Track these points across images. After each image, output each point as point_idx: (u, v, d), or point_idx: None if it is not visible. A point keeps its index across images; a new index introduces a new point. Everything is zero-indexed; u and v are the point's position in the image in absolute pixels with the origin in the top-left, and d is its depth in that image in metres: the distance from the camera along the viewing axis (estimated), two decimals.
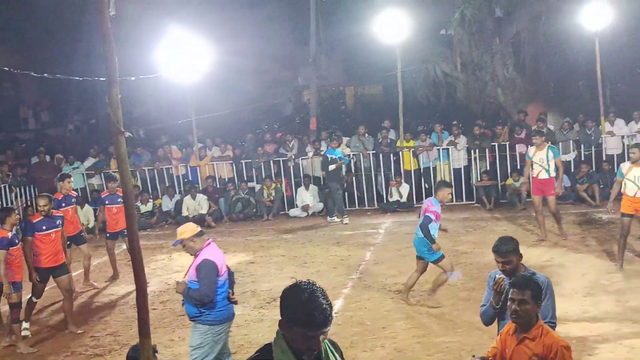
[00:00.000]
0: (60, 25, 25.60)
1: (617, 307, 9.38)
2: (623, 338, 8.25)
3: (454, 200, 17.68)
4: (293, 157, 18.55)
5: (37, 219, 10.16)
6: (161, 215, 18.31)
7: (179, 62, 15.06)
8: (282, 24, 27.29)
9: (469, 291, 10.48)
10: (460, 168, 17.73)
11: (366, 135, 18.50)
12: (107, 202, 13.04)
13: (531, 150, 13.33)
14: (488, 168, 17.52)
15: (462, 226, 15.10)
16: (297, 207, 18.06)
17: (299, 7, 24.69)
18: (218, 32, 18.38)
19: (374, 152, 18.15)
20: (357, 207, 18.30)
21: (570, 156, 17.41)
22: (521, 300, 4.81)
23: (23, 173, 18.97)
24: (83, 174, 19.13)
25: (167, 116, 23.15)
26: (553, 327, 5.21)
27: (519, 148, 16.94)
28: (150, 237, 16.56)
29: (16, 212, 10.13)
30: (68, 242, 11.53)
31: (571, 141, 17.50)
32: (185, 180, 18.80)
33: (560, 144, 17.00)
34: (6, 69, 14.70)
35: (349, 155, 17.99)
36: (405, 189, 17.66)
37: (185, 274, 7.16)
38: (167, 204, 18.57)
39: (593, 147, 17.40)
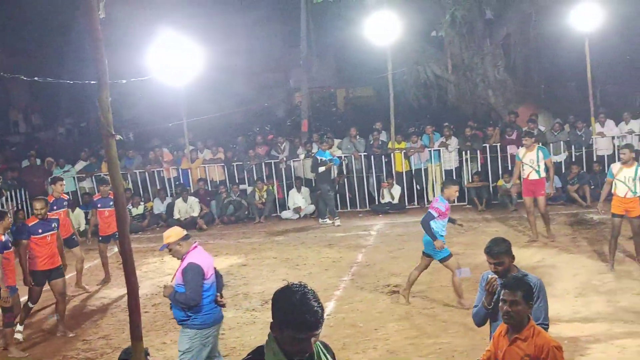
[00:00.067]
0: (51, 28, 25.53)
1: (608, 307, 9.41)
2: (614, 338, 8.27)
3: None
4: (285, 159, 18.54)
5: (33, 222, 10.14)
6: (152, 218, 18.27)
7: (170, 65, 15.04)
8: (273, 26, 27.29)
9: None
10: (452, 169, 17.75)
11: (357, 137, 18.51)
12: (99, 205, 13.04)
13: (521, 151, 13.38)
14: (479, 169, 17.56)
15: (454, 227, 15.06)
16: (288, 209, 18.06)
17: (290, 9, 24.70)
18: (209, 35, 18.37)
19: (365, 153, 18.16)
20: (348, 208, 18.30)
21: (561, 157, 17.47)
22: (513, 301, 4.82)
23: (13, 176, 18.88)
24: (74, 177, 19.06)
25: (159, 119, 23.09)
26: (546, 329, 5.22)
27: (510, 149, 16.98)
28: (142, 240, 16.53)
29: (9, 215, 10.10)
30: None
31: (562, 142, 17.56)
32: (177, 183, 18.77)
33: (551, 145, 17.06)
34: None
35: (341, 157, 18.00)
36: (396, 190, 17.68)
37: (173, 278, 7.16)
38: (159, 206, 18.53)
39: (584, 148, 17.47)
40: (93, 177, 18.98)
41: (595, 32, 17.31)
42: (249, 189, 18.50)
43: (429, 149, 17.91)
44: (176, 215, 17.72)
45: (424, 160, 17.99)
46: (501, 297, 4.94)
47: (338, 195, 18.25)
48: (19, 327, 10.11)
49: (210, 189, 18.68)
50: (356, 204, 18.35)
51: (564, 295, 9.98)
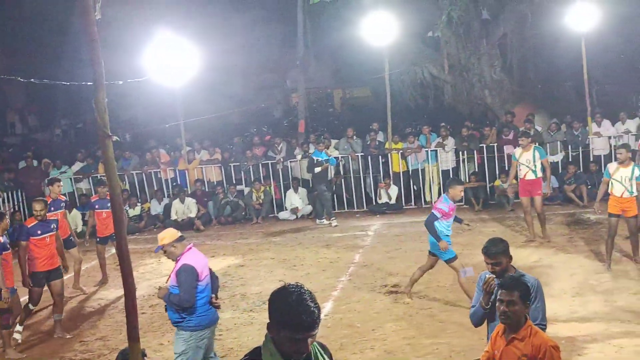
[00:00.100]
0: (47, 29, 25.49)
1: (605, 307, 9.42)
2: (612, 338, 8.28)
3: None
4: (282, 159, 18.55)
5: (32, 224, 10.13)
6: (150, 219, 18.26)
7: (167, 66, 15.02)
8: (270, 27, 27.24)
9: (458, 292, 10.48)
10: (449, 169, 17.76)
11: (354, 137, 18.51)
12: (96, 206, 13.02)
13: (517, 151, 13.39)
14: (476, 169, 17.58)
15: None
16: (286, 209, 18.06)
17: (287, 10, 24.69)
18: (206, 35, 18.34)
19: (362, 154, 18.16)
20: (346, 209, 18.31)
21: (558, 157, 17.49)
22: (510, 302, 4.82)
23: (10, 178, 18.86)
24: (71, 179, 19.04)
25: (156, 120, 23.09)
26: (544, 329, 5.23)
27: (507, 149, 16.99)
28: (139, 241, 16.51)
29: (7, 217, 10.09)
30: None
31: (559, 142, 17.58)
32: (174, 183, 18.75)
33: (547, 145, 17.09)
34: None
35: (338, 157, 18.00)
36: (394, 191, 17.68)
37: (167, 279, 7.15)
38: (156, 207, 18.51)
39: (580, 148, 17.50)
40: (90, 178, 18.98)
41: (591, 32, 17.33)
42: (246, 190, 18.49)
43: (426, 149, 17.92)
44: (173, 216, 17.72)
45: (421, 160, 18.00)
46: (498, 297, 4.94)
47: (335, 195, 18.26)
48: (18, 328, 10.12)
49: (207, 189, 18.67)
50: (353, 205, 18.35)
51: (561, 295, 9.99)
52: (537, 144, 15.00)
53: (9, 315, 9.51)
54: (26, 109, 30.35)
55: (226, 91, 25.25)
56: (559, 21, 17.74)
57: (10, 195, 18.52)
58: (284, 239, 15.62)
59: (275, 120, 28.47)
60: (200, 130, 22.11)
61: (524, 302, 4.86)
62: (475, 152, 17.64)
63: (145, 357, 5.58)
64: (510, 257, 5.74)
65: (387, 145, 18.06)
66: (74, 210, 17.10)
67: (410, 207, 17.95)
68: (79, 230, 16.32)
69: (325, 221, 16.80)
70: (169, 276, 7.11)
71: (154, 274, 13.34)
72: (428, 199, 18.09)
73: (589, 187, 16.22)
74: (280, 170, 18.58)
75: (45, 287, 10.31)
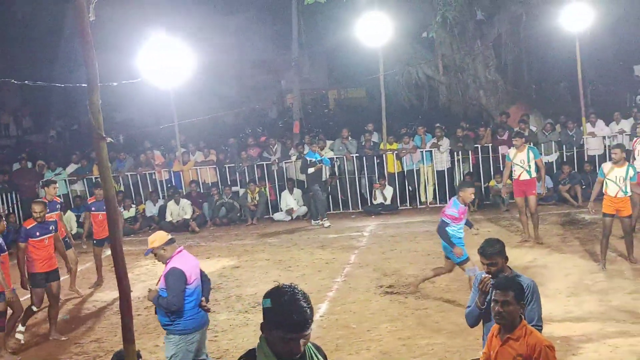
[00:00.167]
0: (41, 31, 25.46)
1: (600, 306, 9.44)
2: (607, 337, 8.29)
3: (438, 202, 17.77)
4: (277, 161, 18.54)
5: (31, 225, 10.11)
6: (144, 221, 18.22)
7: (161, 67, 15.00)
8: (264, 27, 27.26)
9: (453, 293, 10.51)
10: (444, 170, 17.78)
11: (349, 138, 18.52)
12: (93, 208, 12.99)
13: (511, 152, 13.40)
14: (471, 170, 17.59)
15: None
16: (281, 211, 18.05)
17: (281, 11, 24.69)
18: (200, 37, 18.38)
19: (357, 155, 18.16)
20: (341, 210, 18.32)
21: (553, 157, 17.52)
22: (504, 302, 4.83)
23: (4, 180, 18.82)
24: (65, 180, 19.00)
25: (150, 121, 23.08)
26: (539, 330, 5.22)
27: (502, 150, 17.01)
28: (134, 243, 16.48)
29: (3, 219, 10.06)
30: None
31: (553, 142, 17.61)
32: (169, 185, 18.74)
33: (542, 145, 17.12)
34: None
35: (333, 158, 18.01)
36: (389, 191, 17.69)
37: (158, 282, 7.13)
38: (151, 209, 18.48)
39: (575, 148, 17.53)
40: (85, 180, 18.95)
41: (585, 33, 17.38)
42: (241, 191, 18.47)
43: (421, 150, 17.93)
44: (168, 218, 17.70)
45: (416, 161, 18.01)
46: (493, 297, 4.95)
47: (330, 196, 18.28)
48: (20, 328, 10.11)
49: (202, 191, 18.65)
50: (348, 205, 18.36)
51: (556, 295, 10.00)
52: (531, 144, 15.03)
53: (4, 319, 9.49)
54: (20, 111, 30.27)
55: (221, 92, 25.27)
56: (553, 22, 17.79)
57: (4, 197, 18.48)
58: (279, 240, 15.61)
59: (270, 121, 28.48)
60: (195, 131, 22.10)
61: (518, 302, 4.87)
62: (470, 152, 17.65)
63: (140, 359, 5.58)
64: (506, 258, 5.75)
65: (382, 146, 18.07)
66: (69, 212, 17.06)
67: (406, 207, 17.97)
68: (73, 232, 16.27)
69: (319, 221, 16.79)
70: (159, 279, 7.09)
71: (149, 275, 13.32)
72: (423, 199, 18.13)
73: (584, 187, 16.25)
74: (275, 171, 18.58)
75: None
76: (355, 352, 8.61)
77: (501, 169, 16.65)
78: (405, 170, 18.15)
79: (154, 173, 19.07)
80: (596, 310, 9.32)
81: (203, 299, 7.15)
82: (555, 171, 17.19)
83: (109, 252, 13.41)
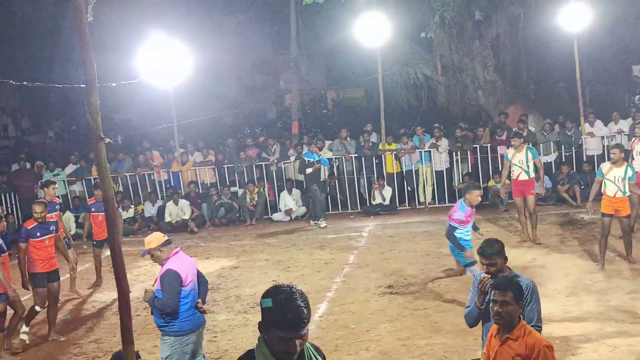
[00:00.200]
0: (40, 32, 25.45)
1: (599, 306, 9.44)
2: (606, 337, 8.30)
3: (436, 202, 17.79)
4: (275, 161, 18.53)
5: (31, 225, 10.11)
6: (143, 221, 18.20)
7: (160, 68, 14.99)
8: (263, 28, 27.31)
9: (452, 293, 10.51)
10: (442, 170, 17.79)
11: (348, 138, 18.51)
12: (93, 209, 12.95)
13: (510, 152, 13.40)
14: (470, 170, 17.58)
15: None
16: (280, 211, 18.04)
17: (279, 11, 24.72)
18: (199, 37, 18.37)
19: (356, 155, 18.15)
20: (340, 210, 18.31)
21: (551, 157, 17.53)
22: (503, 302, 4.83)
23: (3, 180, 18.82)
24: (64, 181, 18.99)
25: (149, 122, 23.06)
26: (539, 331, 5.22)
27: (501, 150, 17.01)
28: (133, 244, 16.45)
29: (3, 220, 10.05)
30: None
31: (552, 142, 17.62)
32: (168, 185, 18.72)
33: (541, 145, 17.13)
34: None
35: (331, 158, 18.01)
36: (388, 191, 17.68)
37: (154, 283, 7.11)
38: (150, 209, 18.47)
39: (573, 148, 17.54)
40: (83, 181, 18.94)
41: (583, 33, 17.39)
42: (240, 192, 18.46)
43: (420, 150, 17.93)
44: (167, 218, 17.69)
45: (415, 161, 18.01)
46: (492, 297, 4.94)
47: (329, 197, 18.28)
48: (24, 329, 10.12)
49: (201, 191, 18.64)
50: (347, 206, 18.36)
51: (555, 295, 10.01)
52: (530, 144, 15.03)
53: (4, 319, 9.49)
54: (19, 112, 30.27)
55: (219, 93, 25.29)
56: (551, 22, 17.79)
57: (3, 197, 18.47)
58: (278, 241, 15.61)
59: (269, 121, 28.49)
60: (194, 131, 22.10)
61: (517, 302, 4.86)
62: (468, 152, 17.66)
63: (139, 359, 5.58)
64: (506, 258, 5.75)
65: (380, 146, 18.06)
66: (67, 213, 17.04)
67: (404, 208, 17.97)
68: (72, 232, 16.24)
69: (324, 222, 16.76)
70: (156, 280, 7.07)
71: (148, 276, 13.31)
72: (422, 199, 18.12)
73: (582, 187, 16.25)
74: (274, 171, 18.58)
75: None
76: (354, 353, 8.62)
77: (500, 169, 16.67)
78: (404, 170, 18.15)
79: (153, 173, 19.06)
80: (595, 310, 9.32)
81: (199, 300, 7.12)
82: (554, 171, 17.20)
83: (108, 252, 13.42)
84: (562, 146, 17.69)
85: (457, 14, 19.54)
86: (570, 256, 12.02)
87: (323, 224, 16.60)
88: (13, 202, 18.66)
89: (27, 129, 30.25)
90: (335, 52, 25.29)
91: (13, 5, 24.14)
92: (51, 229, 10.30)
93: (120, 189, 18.58)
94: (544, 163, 15.34)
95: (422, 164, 17.97)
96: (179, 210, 17.68)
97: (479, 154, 17.53)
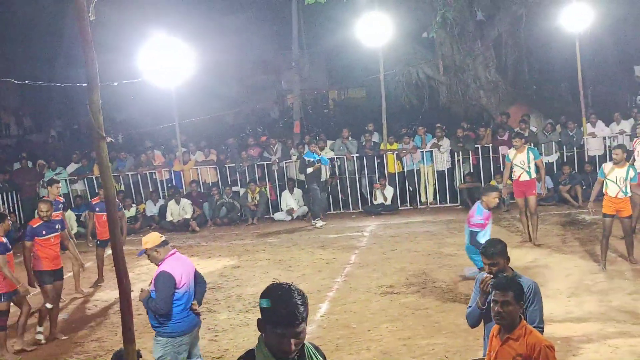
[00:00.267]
0: (42, 31, 25.45)
1: (600, 307, 9.43)
2: (607, 338, 8.29)
3: (438, 202, 17.79)
4: (277, 160, 18.54)
5: (37, 224, 10.13)
6: (145, 221, 18.21)
7: (162, 67, 15.01)
8: (265, 28, 27.29)
9: (454, 293, 10.51)
10: (444, 170, 17.79)
11: (350, 138, 18.52)
12: (97, 209, 12.94)
13: (511, 152, 13.40)
14: (471, 170, 17.59)
15: (447, 228, 15.15)
16: (281, 210, 18.05)
17: (281, 11, 24.73)
18: (200, 37, 18.35)
19: (357, 155, 18.16)
20: (341, 210, 18.32)
21: (553, 158, 17.52)
22: (504, 302, 4.82)
23: (5, 179, 18.83)
24: (66, 180, 19.00)
25: (151, 121, 23.08)
26: (541, 332, 5.21)
27: (502, 150, 17.01)
28: (134, 243, 16.41)
29: (8, 218, 10.07)
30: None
31: (553, 142, 17.61)
32: (169, 185, 18.73)
33: (542, 145, 17.12)
34: None
35: (333, 158, 18.02)
36: (389, 191, 17.68)
37: (150, 283, 7.10)
38: (151, 208, 18.49)
39: (575, 149, 17.52)
40: (85, 180, 18.96)
41: (585, 33, 17.37)
42: (242, 191, 18.48)
43: (421, 150, 17.93)
44: (169, 218, 17.70)
45: (416, 161, 18.00)
46: (492, 297, 4.94)
47: (331, 196, 18.30)
48: (39, 329, 10.13)
49: (202, 190, 18.65)
50: (349, 205, 18.36)
51: (557, 295, 10.00)
52: (531, 144, 15.02)
53: (6, 318, 9.49)
54: (21, 111, 30.32)
55: (221, 92, 25.27)
56: (553, 22, 17.80)
57: (4, 196, 18.49)
58: (279, 240, 15.61)
59: (271, 121, 28.50)
60: (196, 131, 22.10)
61: (518, 302, 4.85)
62: (470, 152, 17.65)
63: (140, 358, 5.58)
64: (508, 259, 5.74)
65: (382, 146, 18.07)
66: (69, 211, 17.04)
67: (406, 207, 17.98)
68: (74, 231, 16.25)
69: (321, 222, 16.78)
70: (152, 280, 7.07)
71: (149, 275, 13.27)
72: (423, 199, 18.12)
73: (584, 187, 16.24)
74: (275, 171, 18.59)
75: (38, 290, 10.31)
76: (355, 352, 8.61)
77: (501, 169, 16.67)
78: (405, 170, 18.15)
79: (155, 173, 19.07)
80: (596, 310, 9.32)
81: (194, 302, 7.08)
82: (555, 172, 17.19)
83: (110, 251, 13.44)
84: (564, 146, 17.67)
85: (458, 14, 19.54)
86: (571, 256, 12.02)
87: (319, 223, 16.60)
88: (14, 201, 18.67)
89: (29, 127, 30.31)
90: (337, 51, 25.29)
91: (14, 4, 24.14)
92: (57, 227, 10.32)
93: (122, 188, 18.61)
94: (545, 163, 15.34)
95: (423, 163, 17.98)
96: (180, 210, 17.69)
97: (480, 154, 17.52)
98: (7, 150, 25.22)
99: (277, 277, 12.02)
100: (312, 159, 16.56)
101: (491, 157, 17.48)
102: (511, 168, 13.36)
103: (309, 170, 16.55)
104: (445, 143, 17.76)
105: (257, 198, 17.98)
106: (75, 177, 19.16)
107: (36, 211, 10.63)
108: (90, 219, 13.39)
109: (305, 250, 14.31)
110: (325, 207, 17.83)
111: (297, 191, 18.06)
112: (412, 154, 17.90)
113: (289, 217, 17.85)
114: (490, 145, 17.48)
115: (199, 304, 7.22)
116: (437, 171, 17.86)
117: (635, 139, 13.85)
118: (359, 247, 14.23)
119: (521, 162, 13.08)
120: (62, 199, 12.90)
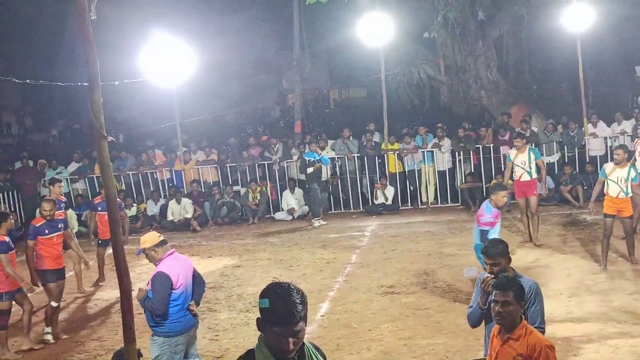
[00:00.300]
0: (43, 30, 25.48)
1: (601, 307, 9.43)
2: (607, 338, 8.29)
3: (439, 202, 17.78)
4: (278, 160, 18.54)
5: (40, 223, 10.13)
6: (146, 220, 18.22)
7: (163, 67, 15.01)
8: (266, 28, 27.27)
9: (455, 293, 10.51)
10: (445, 170, 17.77)
11: (351, 138, 18.51)
12: (99, 208, 12.95)
13: (512, 153, 13.39)
14: (472, 170, 17.58)
15: (448, 228, 15.15)
16: (282, 210, 18.05)
17: (282, 11, 24.70)
18: (201, 36, 18.35)
19: (358, 155, 18.15)
20: (342, 209, 18.31)
21: (554, 158, 17.51)
22: (504, 302, 4.82)
23: (6, 178, 18.84)
24: (67, 179, 18.98)
25: (152, 120, 23.07)
26: (542, 332, 5.21)
27: (503, 150, 16.99)
28: (135, 242, 16.41)
29: (11, 217, 10.07)
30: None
31: (555, 143, 17.59)
32: (170, 184, 18.73)
33: (543, 145, 17.11)
34: None
35: (334, 158, 18.02)
36: (390, 191, 17.68)
37: (149, 282, 7.10)
38: (152, 208, 18.49)
39: (576, 149, 17.51)
40: (86, 179, 18.96)
41: (587, 33, 17.36)
42: (243, 190, 18.48)
43: (422, 150, 17.92)
44: (169, 217, 17.70)
45: (417, 161, 17.99)
46: (493, 297, 4.94)
47: (332, 196, 18.30)
48: (47, 329, 10.13)
49: (203, 190, 18.65)
50: (350, 205, 18.36)
51: (558, 295, 10.00)
52: (532, 144, 15.01)
53: (8, 317, 9.50)
54: (22, 110, 30.33)
55: (222, 92, 25.28)
56: (554, 22, 17.79)
57: (5, 195, 18.50)
58: (280, 240, 15.61)
59: (272, 120, 28.50)
60: (197, 130, 22.10)
61: (518, 302, 4.85)
62: (471, 152, 17.64)
63: (141, 358, 5.58)
64: (509, 259, 5.74)
65: (383, 146, 18.06)
66: (70, 211, 17.03)
67: (407, 207, 17.98)
68: (75, 230, 16.23)
69: (322, 222, 16.77)
70: (150, 280, 7.06)
71: (150, 274, 13.18)
72: (424, 199, 18.11)
73: (585, 187, 16.23)
74: (276, 170, 18.58)
75: (41, 288, 10.31)
76: (356, 352, 8.62)
77: (502, 169, 16.66)
78: (406, 170, 18.13)
79: (156, 172, 19.07)
80: (597, 310, 9.32)
81: (192, 302, 7.06)
82: (556, 172, 17.18)
83: (111, 250, 13.45)
84: (565, 147, 17.66)
85: (460, 14, 19.53)
86: (572, 257, 12.02)
87: (317, 223, 16.59)
88: (15, 201, 18.67)
89: (30, 127, 30.32)
90: (338, 51, 25.30)
91: (15, 4, 24.15)
92: (59, 226, 10.32)
93: (123, 187, 18.60)
94: (546, 163, 15.33)
95: (424, 163, 17.97)
96: (181, 209, 17.69)
97: (481, 154, 17.51)
98: (8, 149, 25.23)
99: (277, 277, 12.05)
100: (312, 159, 16.56)
101: (492, 157, 17.46)
102: (512, 168, 13.35)
103: (310, 170, 16.55)
104: (447, 143, 17.75)
105: (258, 198, 17.98)
106: (77, 177, 19.16)
107: (38, 210, 10.63)
108: (93, 218, 13.41)
109: (306, 250, 14.31)
110: (326, 207, 17.82)
111: (298, 191, 18.06)
112: (413, 153, 17.89)
113: (290, 217, 17.85)
114: (492, 145, 17.47)
115: (197, 304, 7.21)
116: (438, 171, 17.85)
117: (637, 140, 13.84)
118: (359, 247, 14.23)
119: (522, 162, 13.07)
120: (64, 198, 12.90)
